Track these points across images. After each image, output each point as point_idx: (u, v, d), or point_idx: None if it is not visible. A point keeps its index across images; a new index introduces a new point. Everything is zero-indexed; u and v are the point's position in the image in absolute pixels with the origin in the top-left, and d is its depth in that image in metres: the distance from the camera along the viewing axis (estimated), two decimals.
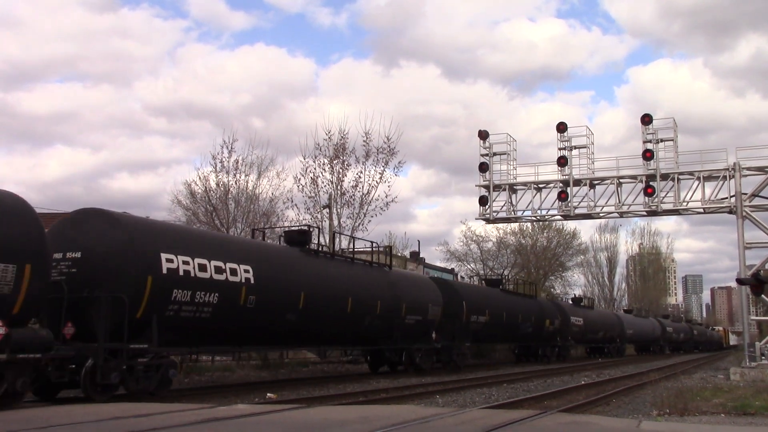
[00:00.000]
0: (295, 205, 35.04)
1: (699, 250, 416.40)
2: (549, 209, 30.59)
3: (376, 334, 23.28)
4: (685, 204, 28.75)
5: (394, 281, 24.47)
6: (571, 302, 48.08)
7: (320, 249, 22.57)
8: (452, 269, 56.74)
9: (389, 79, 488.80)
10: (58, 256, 14.26)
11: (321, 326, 20.49)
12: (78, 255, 14.33)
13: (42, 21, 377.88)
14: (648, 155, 28.64)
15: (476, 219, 31.96)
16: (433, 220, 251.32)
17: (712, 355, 68.32)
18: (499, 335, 34.26)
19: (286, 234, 22.03)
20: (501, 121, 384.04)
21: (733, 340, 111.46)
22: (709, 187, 28.39)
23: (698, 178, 28.37)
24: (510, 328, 33.96)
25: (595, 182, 29.77)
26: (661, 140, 28.99)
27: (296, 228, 23.73)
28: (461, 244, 58.02)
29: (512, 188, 30.75)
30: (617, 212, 30.26)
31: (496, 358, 41.13)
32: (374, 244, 26.36)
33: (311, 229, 22.41)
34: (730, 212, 27.91)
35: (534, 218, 32.58)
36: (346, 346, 25.80)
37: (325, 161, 35.36)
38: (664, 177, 28.59)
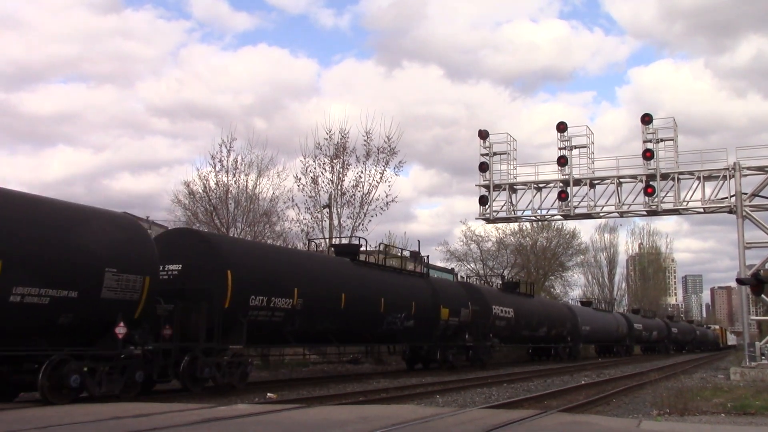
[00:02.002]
0: (296, 204, 35.05)
1: (699, 250, 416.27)
2: (549, 209, 30.59)
3: (416, 334, 25.66)
4: (685, 204, 28.75)
5: (435, 288, 27.37)
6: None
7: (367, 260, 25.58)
8: (452, 269, 56.72)
9: (392, 80, 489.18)
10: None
11: (365, 326, 22.84)
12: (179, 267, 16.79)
13: (45, 22, 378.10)
14: (648, 155, 28.63)
15: (476, 219, 31.98)
16: (434, 220, 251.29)
17: (701, 358, 56.51)
18: (518, 336, 35.95)
19: (336, 247, 25.66)
20: (503, 121, 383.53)
21: (732, 339, 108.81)
22: (709, 187, 28.41)
23: (698, 178, 28.36)
24: (529, 329, 36.45)
25: (595, 182, 29.76)
26: (662, 140, 28.99)
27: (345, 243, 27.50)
28: (461, 243, 58.02)
29: (512, 188, 30.74)
30: (617, 212, 30.26)
31: (513, 358, 41.70)
32: (413, 253, 29.88)
33: (360, 241, 25.36)
34: (730, 212, 27.91)
35: (534, 218, 32.55)
36: (391, 343, 27.42)
37: (326, 161, 35.37)
38: (664, 177, 28.58)
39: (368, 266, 24.28)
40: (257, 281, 17.52)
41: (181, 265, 16.45)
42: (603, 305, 62.28)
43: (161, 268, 15.71)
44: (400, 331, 24.41)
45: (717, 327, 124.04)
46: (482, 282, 42.93)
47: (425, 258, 30.75)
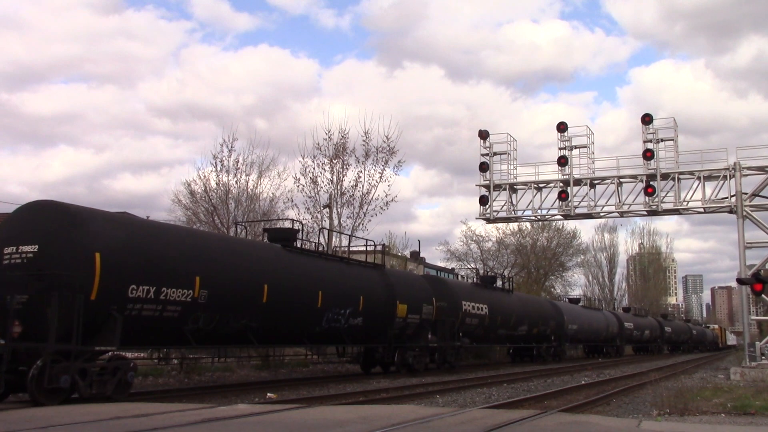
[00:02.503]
0: (295, 205, 35.04)
1: (700, 250, 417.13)
2: (549, 209, 30.59)
3: (366, 333, 22.71)
4: (685, 204, 28.74)
5: (390, 281, 24.12)
6: (474, 282, 34.90)
7: (303, 247, 21.50)
8: (452, 269, 56.74)
9: (393, 80, 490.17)
10: None
11: (298, 324, 19.71)
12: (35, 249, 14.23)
13: (47, 22, 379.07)
14: (648, 155, 28.63)
15: (476, 219, 31.99)
16: (435, 220, 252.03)
17: (699, 358, 54.41)
18: (493, 335, 32.70)
19: (268, 232, 21.88)
20: (504, 121, 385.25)
21: (732, 339, 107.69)
22: (710, 187, 28.40)
23: (698, 178, 28.35)
24: (506, 328, 33.29)
25: (596, 182, 29.75)
26: (662, 140, 28.99)
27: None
28: (461, 243, 58.01)
29: (512, 188, 30.74)
30: (617, 212, 30.25)
31: (495, 359, 40.41)
32: (368, 243, 25.64)
33: (301, 227, 22.42)
34: (731, 212, 27.91)
35: (534, 218, 32.54)
36: (334, 344, 24.01)
37: (325, 161, 35.36)
38: (665, 177, 28.57)
39: (305, 254, 20.89)
40: (140, 267, 14.40)
41: (37, 246, 13.45)
42: (598, 303, 62.03)
43: (14, 250, 13.53)
44: (344, 330, 21.40)
45: (716, 326, 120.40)
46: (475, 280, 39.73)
47: (382, 247, 26.96)
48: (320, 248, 25.42)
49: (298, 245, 20.85)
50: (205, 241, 17.84)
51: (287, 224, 28.09)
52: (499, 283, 35.37)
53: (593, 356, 49.04)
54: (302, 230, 25.03)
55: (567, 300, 51.55)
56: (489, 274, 38.99)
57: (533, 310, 37.24)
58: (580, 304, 49.88)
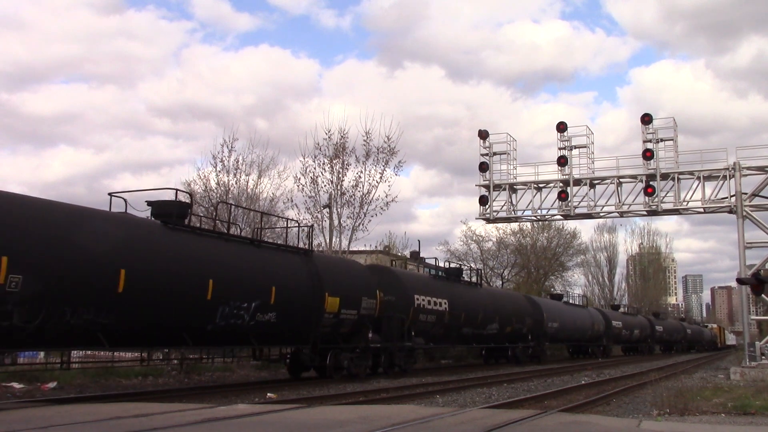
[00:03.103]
0: (295, 205, 35.02)
1: (700, 250, 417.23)
2: (549, 209, 30.61)
3: (282, 332, 18.97)
4: (685, 204, 28.75)
5: (317, 269, 20.25)
6: (433, 274, 32.39)
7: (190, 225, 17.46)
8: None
9: (393, 80, 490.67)
10: None
11: (177, 320, 15.89)
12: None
13: (48, 22, 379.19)
14: (648, 155, 28.64)
15: (476, 219, 32.02)
16: (435, 220, 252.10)
17: (694, 359, 49.16)
18: (456, 334, 29.00)
19: (152, 205, 17.07)
20: (504, 121, 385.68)
21: (731, 339, 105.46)
22: (710, 187, 28.42)
23: (698, 178, 28.36)
24: (472, 326, 29.72)
25: (595, 182, 29.76)
26: (662, 140, 29.00)
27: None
28: (461, 243, 58.02)
29: (512, 188, 30.75)
30: (617, 212, 30.26)
31: (468, 361, 37.18)
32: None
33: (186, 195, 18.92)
34: (731, 212, 27.91)
35: (534, 218, 32.56)
36: (235, 345, 19.32)
37: (325, 161, 35.34)
38: (665, 177, 28.58)
39: (197, 233, 17.12)
40: None
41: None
42: (586, 300, 59.42)
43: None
44: (249, 328, 17.57)
45: (714, 326, 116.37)
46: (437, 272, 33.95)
47: (309, 229, 22.94)
48: (321, 248, 25.22)
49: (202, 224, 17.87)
50: (20, 210, 13.17)
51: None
52: (470, 276, 32.60)
53: (578, 357, 46.59)
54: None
55: (548, 296, 47.76)
56: (455, 265, 32.67)
57: (506, 307, 33.40)
58: (563, 300, 45.43)
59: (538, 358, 36.28)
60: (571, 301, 47.62)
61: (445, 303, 27.12)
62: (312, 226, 26.78)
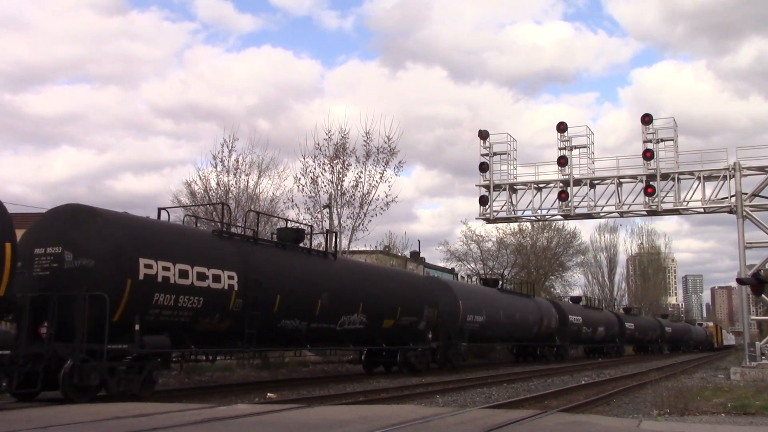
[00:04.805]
0: (295, 205, 35.01)
1: (700, 250, 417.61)
2: (549, 209, 30.59)
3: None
4: (685, 204, 28.73)
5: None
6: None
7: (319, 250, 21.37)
8: (452, 269, 56.74)
9: (395, 81, 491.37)
10: None
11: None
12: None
13: (51, 23, 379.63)
14: (648, 155, 28.63)
15: (476, 219, 31.99)
16: (436, 220, 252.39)
17: (682, 363, 41.11)
18: (497, 335, 31.20)
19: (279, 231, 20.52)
20: (505, 122, 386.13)
21: (730, 339, 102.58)
22: (710, 187, 28.40)
23: (698, 178, 28.35)
24: (509, 328, 31.78)
25: (596, 182, 29.75)
26: (662, 140, 28.98)
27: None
28: (461, 243, 57.98)
29: (512, 188, 30.74)
30: (617, 212, 30.24)
31: (498, 359, 39.42)
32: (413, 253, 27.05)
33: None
34: (731, 212, 27.90)
35: (534, 218, 32.55)
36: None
37: (326, 161, 35.35)
38: (665, 177, 28.56)
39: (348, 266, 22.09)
40: None
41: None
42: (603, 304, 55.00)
43: None
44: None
45: (710, 324, 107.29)
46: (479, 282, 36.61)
47: (385, 249, 27.35)
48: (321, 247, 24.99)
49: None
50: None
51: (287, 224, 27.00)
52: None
53: (522, 360, 37.69)
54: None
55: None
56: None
57: (380, 289, 22.75)
58: (499, 287, 35.84)
59: (451, 363, 27.43)
60: (512, 288, 39.64)
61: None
62: (418, 253, 30.70)
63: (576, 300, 50.53)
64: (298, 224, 22.90)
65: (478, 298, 31.22)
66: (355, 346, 23.43)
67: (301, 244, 20.54)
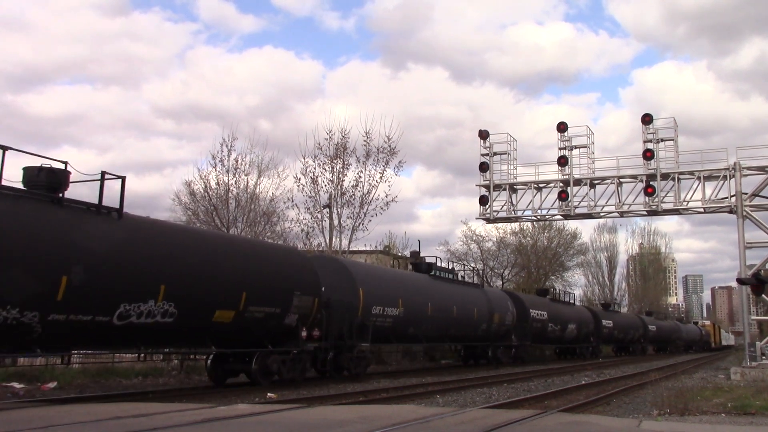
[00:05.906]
0: (296, 204, 35.01)
1: (700, 250, 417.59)
2: (549, 209, 30.59)
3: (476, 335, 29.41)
4: (685, 204, 28.72)
5: (489, 297, 31.25)
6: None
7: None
8: (452, 269, 56.59)
9: (396, 81, 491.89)
10: None
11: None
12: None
13: (53, 24, 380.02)
14: (648, 155, 28.62)
15: (476, 219, 32.01)
16: (436, 220, 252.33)
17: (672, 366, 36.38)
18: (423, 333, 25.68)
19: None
20: (506, 122, 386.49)
21: (729, 339, 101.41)
22: (710, 187, 28.40)
23: (699, 178, 28.34)
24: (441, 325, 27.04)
25: (596, 182, 29.74)
26: (662, 140, 28.98)
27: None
28: (461, 243, 57.92)
29: (512, 188, 30.74)
30: (617, 212, 30.24)
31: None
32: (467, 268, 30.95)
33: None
34: (731, 212, 27.89)
35: (534, 218, 32.54)
36: (456, 342, 30.87)
37: (326, 161, 35.36)
38: (665, 177, 28.56)
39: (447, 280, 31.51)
40: None
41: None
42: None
43: None
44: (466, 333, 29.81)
45: (707, 323, 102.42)
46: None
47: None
48: (321, 248, 25.21)
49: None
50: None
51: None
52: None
53: (470, 362, 32.55)
54: None
55: (412, 267, 30.69)
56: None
57: (205, 264, 15.84)
58: (433, 273, 28.85)
59: (350, 371, 21.43)
60: (450, 276, 31.00)
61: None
62: (417, 253, 33.49)
63: (543, 293, 41.92)
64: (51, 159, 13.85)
65: (392, 285, 24.36)
66: (156, 347, 16.17)
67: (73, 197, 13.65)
